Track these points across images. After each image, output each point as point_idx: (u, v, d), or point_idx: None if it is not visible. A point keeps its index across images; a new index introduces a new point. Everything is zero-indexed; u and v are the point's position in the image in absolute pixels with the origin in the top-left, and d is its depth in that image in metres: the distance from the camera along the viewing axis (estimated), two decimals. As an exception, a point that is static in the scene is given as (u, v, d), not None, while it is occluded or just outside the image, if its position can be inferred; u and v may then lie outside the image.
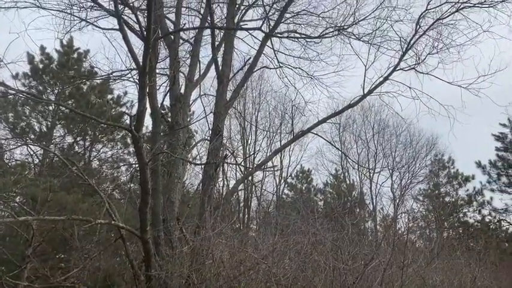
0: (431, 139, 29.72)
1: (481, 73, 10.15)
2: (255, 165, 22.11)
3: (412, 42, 10.61)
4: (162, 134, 10.33)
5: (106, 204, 7.49)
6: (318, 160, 31.42)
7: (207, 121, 11.14)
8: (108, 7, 8.34)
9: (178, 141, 9.77)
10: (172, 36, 10.49)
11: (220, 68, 10.48)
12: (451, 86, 10.59)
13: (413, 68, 10.69)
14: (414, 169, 29.59)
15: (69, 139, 19.31)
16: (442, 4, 10.41)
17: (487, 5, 10.26)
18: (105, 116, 16.59)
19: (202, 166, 10.07)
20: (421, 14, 10.51)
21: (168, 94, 10.44)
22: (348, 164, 29.94)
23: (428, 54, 10.65)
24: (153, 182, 8.45)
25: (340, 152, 28.82)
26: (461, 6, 10.35)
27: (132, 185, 17.99)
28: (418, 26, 10.58)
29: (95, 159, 20.14)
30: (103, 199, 7.58)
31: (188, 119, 12.68)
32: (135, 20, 6.90)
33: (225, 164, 10.40)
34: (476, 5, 10.32)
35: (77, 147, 19.66)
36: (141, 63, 5.87)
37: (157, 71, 10.52)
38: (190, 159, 14.01)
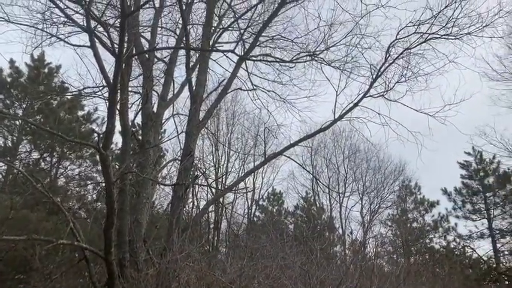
0: (400, 165, 30.39)
1: (447, 102, 10.54)
2: (226, 186, 22.00)
3: (381, 69, 10.92)
4: (132, 152, 10.15)
5: (70, 224, 7.25)
6: (289, 183, 31.49)
7: (179, 141, 11.06)
8: (82, 23, 8.27)
9: (148, 160, 9.63)
10: (147, 55, 10.46)
11: (194, 88, 10.47)
12: (419, 113, 10.94)
13: (383, 95, 10.97)
14: (383, 194, 30.07)
15: (35, 155, 18.73)
16: (411, 34, 10.80)
17: (453, 37, 10.74)
18: (74, 133, 16.22)
19: (172, 187, 9.91)
20: (391, 43, 10.86)
21: (140, 112, 10.33)
22: (318, 187, 30.17)
23: (397, 82, 10.98)
24: (120, 201, 8.26)
25: (311, 176, 29.04)
26: (429, 37, 10.77)
27: (98, 204, 17.55)
28: (387, 55, 10.92)
29: (62, 176, 19.55)
30: (67, 218, 7.34)
31: (160, 138, 12.55)
32: (109, 37, 6.84)
33: (196, 185, 10.27)
34: (443, 36, 10.77)
35: (43, 163, 19.05)
36: (112, 81, 5.80)
37: (130, 88, 10.42)
38: (160, 179, 13.81)
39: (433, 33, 10.68)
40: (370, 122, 11.22)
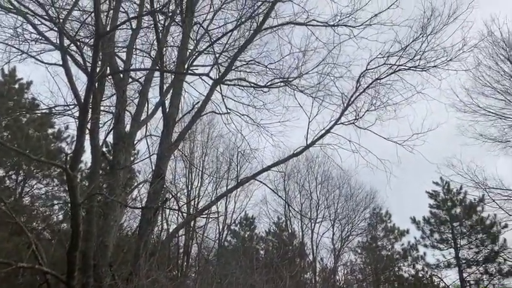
0: (371, 192, 30.79)
1: (415, 131, 10.86)
2: (197, 210, 21.72)
3: (352, 98, 11.21)
4: (101, 173, 9.96)
5: (33, 245, 6.99)
6: (262, 208, 31.35)
7: (151, 162, 10.94)
8: (55, 40, 8.17)
9: (118, 181, 9.44)
10: (121, 75, 10.40)
11: (168, 109, 10.44)
12: (388, 141, 11.20)
13: (353, 123, 11.22)
14: (354, 221, 30.29)
15: (0, 172, 18.08)
16: (381, 65, 11.21)
17: (421, 69, 11.20)
18: (42, 151, 15.80)
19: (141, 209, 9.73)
20: (362, 73, 11.21)
21: (112, 132, 10.18)
22: (290, 213, 30.17)
23: (367, 111, 11.28)
24: (87, 223, 8.03)
25: (283, 201, 29.04)
26: (398, 69, 11.20)
27: (64, 225, 17.00)
28: (358, 84, 11.25)
29: (27, 195, 18.89)
30: (30, 240, 7.07)
31: (132, 159, 12.37)
32: (82, 56, 6.78)
33: (165, 208, 10.11)
34: (411, 68, 11.21)
35: (8, 181, 18.39)
36: (83, 101, 5.73)
37: (102, 108, 10.29)
38: (130, 201, 13.53)
39: (401, 65, 11.14)
40: (341, 149, 11.43)
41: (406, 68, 11.18)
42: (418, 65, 11.10)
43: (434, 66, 11.08)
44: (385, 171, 11.00)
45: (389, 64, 11.17)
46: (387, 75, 11.26)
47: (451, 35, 11.05)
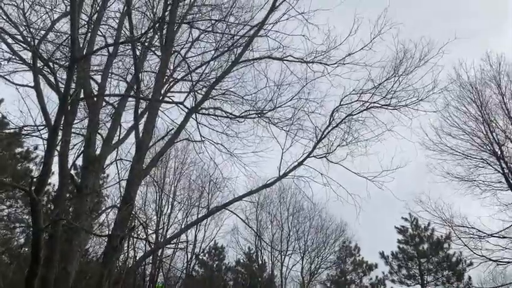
0: (341, 225, 30.96)
1: (385, 168, 11.08)
2: (166, 238, 21.29)
3: (325, 132, 11.41)
4: (68, 196, 9.70)
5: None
6: (233, 237, 30.96)
7: (120, 188, 10.73)
8: (29, 61, 8.07)
9: (85, 206, 9.20)
10: (95, 98, 10.30)
11: (141, 135, 10.34)
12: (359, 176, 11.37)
13: (325, 157, 11.38)
14: (323, 254, 30.25)
15: (-40, 192, 17.35)
16: (354, 102, 11.52)
17: (392, 107, 11.56)
18: (8, 171, 15.31)
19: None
20: (335, 108, 11.49)
21: (82, 155, 9.99)
22: (261, 244, 29.90)
23: (339, 145, 11.48)
24: (49, 249, 7.74)
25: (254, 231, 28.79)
26: (370, 106, 11.53)
27: (25, 249, 16.32)
28: (331, 118, 11.49)
29: (-12, 217, 18.12)
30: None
31: (101, 183, 12.12)
32: (55, 79, 6.71)
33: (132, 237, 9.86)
34: (383, 106, 11.56)
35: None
36: (53, 123, 5.64)
37: (73, 130, 10.13)
38: (96, 227, 13.15)
39: (373, 103, 11.49)
40: (313, 182, 11.53)
41: (378, 105, 11.54)
42: (390, 104, 11.48)
43: (405, 106, 11.48)
44: (355, 206, 11.13)
45: (362, 101, 11.52)
46: (360, 112, 11.58)
47: (422, 76, 11.55)
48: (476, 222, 21.17)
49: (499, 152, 21.12)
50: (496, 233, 20.47)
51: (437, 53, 11.57)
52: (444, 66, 12.02)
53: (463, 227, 21.26)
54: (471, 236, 20.97)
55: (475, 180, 21.87)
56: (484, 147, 21.67)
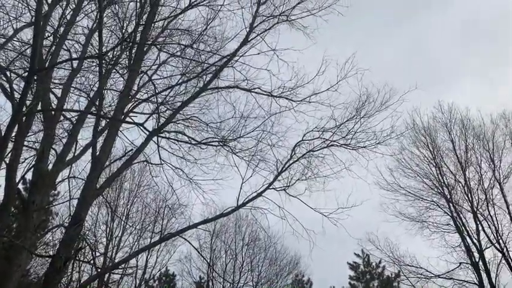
0: (295, 258, 30.86)
1: (341, 205, 11.23)
2: (115, 262, 20.46)
3: (286, 165, 11.49)
4: (14, 211, 9.19)
5: None
6: (185, 265, 30.12)
7: (70, 206, 10.27)
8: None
9: (30, 223, 8.73)
10: (52, 112, 9.96)
11: (98, 153, 10.04)
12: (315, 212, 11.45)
13: (284, 190, 11.42)
14: (276, 287, 29.93)
15: None
16: (315, 138, 11.76)
17: (351, 148, 11.88)
18: None
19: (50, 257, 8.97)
20: (297, 143, 11.65)
21: (32, 170, 9.54)
22: (213, 274, 29.25)
23: (298, 179, 11.56)
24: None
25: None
26: (331, 144, 11.79)
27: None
28: (293, 152, 11.63)
29: None
30: None
31: (50, 200, 11.58)
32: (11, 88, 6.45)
33: (77, 260, 9.40)
34: (343, 145, 11.86)
35: None
36: (2, 135, 5.38)
37: (26, 143, 9.71)
38: (41, 246, 12.49)
39: (334, 141, 11.76)
40: (270, 214, 11.49)
41: (338, 144, 11.81)
42: (349, 144, 11.79)
43: (364, 147, 11.84)
44: (309, 241, 11.17)
45: (324, 139, 11.77)
46: (320, 149, 11.79)
47: (382, 120, 12.03)
48: (425, 262, 21.68)
49: (449, 195, 22.03)
50: (442, 274, 21.09)
51: (397, 100, 12.12)
52: (403, 112, 12.59)
53: (412, 266, 21.81)
54: (419, 275, 21.51)
55: (425, 222, 22.64)
56: (435, 189, 22.58)
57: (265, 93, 11.79)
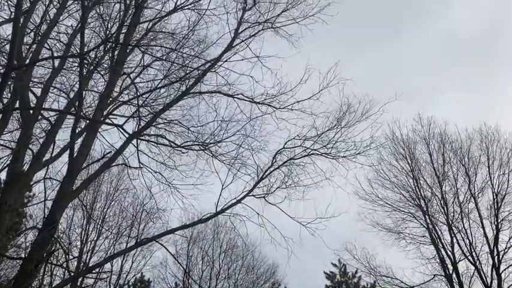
0: (272, 267, 30.75)
1: (319, 215, 11.29)
2: (89, 266, 20.02)
3: (267, 173, 11.52)
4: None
5: None
6: (160, 271, 29.63)
7: (44, 208, 10.02)
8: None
9: (2, 224, 8.49)
10: (31, 111, 9.75)
11: (76, 154, 9.85)
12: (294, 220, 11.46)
13: (264, 197, 11.42)
14: (252, 295, 29.76)
15: None
16: (296, 147, 11.83)
17: (332, 157, 11.99)
18: None
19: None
20: (278, 151, 11.69)
21: (6, 170, 9.30)
22: (189, 281, 28.91)
23: (278, 187, 11.60)
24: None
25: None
26: (311, 153, 11.88)
27: None
28: (274, 160, 11.67)
29: None
30: None
31: (25, 201, 11.29)
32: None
33: (49, 263, 9.16)
34: (323, 154, 11.96)
35: None
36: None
37: (1, 142, 9.48)
38: (12, 248, 12.14)
39: (315, 150, 11.86)
40: (249, 221, 11.45)
41: (319, 153, 11.91)
42: (330, 153, 11.90)
43: (344, 157, 11.96)
44: (287, 250, 11.16)
45: (305, 147, 11.85)
46: (301, 157, 11.88)
47: (362, 131, 12.19)
48: (401, 273, 21.90)
49: (425, 208, 22.35)
50: (417, 286, 21.32)
51: (377, 111, 12.33)
52: (383, 123, 12.77)
53: (388, 277, 21.99)
54: (395, 286, 21.71)
55: (401, 233, 22.90)
56: (412, 201, 22.89)
57: (247, 99, 11.82)
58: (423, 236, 22.47)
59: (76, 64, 10.77)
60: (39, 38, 9.59)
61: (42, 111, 10.56)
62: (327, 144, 11.87)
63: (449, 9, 49.63)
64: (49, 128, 10.56)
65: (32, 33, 10.32)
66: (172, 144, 12.00)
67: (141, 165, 11.86)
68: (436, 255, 21.59)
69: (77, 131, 10.24)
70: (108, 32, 11.69)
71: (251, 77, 11.56)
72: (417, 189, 22.82)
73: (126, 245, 23.34)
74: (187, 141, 11.95)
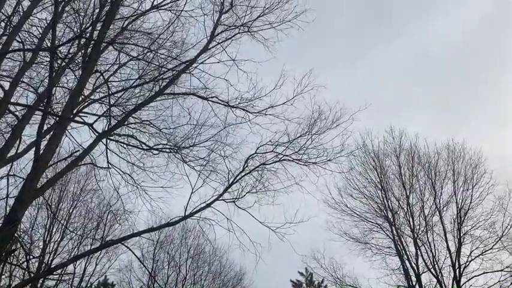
0: (240, 273, 30.62)
1: (288, 220, 11.32)
2: (50, 267, 19.45)
3: (238, 177, 11.48)
4: None
5: None
6: (125, 274, 28.99)
7: (7, 206, 9.68)
8: None
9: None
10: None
11: (42, 152, 9.56)
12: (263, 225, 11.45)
13: (234, 202, 11.38)
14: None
15: None
16: (268, 152, 11.87)
17: (303, 163, 12.10)
18: None
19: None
20: (250, 155, 11.70)
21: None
22: (154, 285, 28.42)
23: (249, 192, 11.56)
24: None
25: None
26: (283, 158, 11.95)
27: None
28: (245, 165, 11.65)
29: None
30: None
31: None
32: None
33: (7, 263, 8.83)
34: (294, 160, 12.05)
35: None
36: None
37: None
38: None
39: (286, 156, 11.93)
40: (218, 226, 11.36)
41: (290, 159, 11.98)
42: (301, 159, 12.00)
43: (315, 163, 12.06)
44: (255, 255, 11.14)
45: (276, 152, 11.91)
46: (273, 162, 11.92)
47: (333, 138, 12.32)
48: (366, 283, 22.23)
49: (392, 219, 22.82)
50: (381, 296, 21.71)
51: (348, 119, 12.51)
52: (353, 131, 12.98)
53: (353, 287, 22.27)
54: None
55: (368, 243, 23.29)
56: (380, 212, 23.33)
57: (222, 102, 11.81)
58: (389, 247, 22.92)
59: (47, 59, 10.52)
60: (10, 29, 9.31)
61: (9, 106, 10.25)
62: (299, 150, 11.98)
63: (422, 29, 51.25)
64: (16, 123, 10.26)
65: (3, 24, 10.02)
66: (143, 146, 11.84)
67: (110, 166, 11.63)
68: (401, 267, 22.04)
69: (45, 128, 9.99)
70: (83, 27, 11.48)
71: (226, 80, 11.57)
72: (385, 201, 23.29)
73: (91, 247, 22.79)
74: (159, 144, 11.83)
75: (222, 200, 11.32)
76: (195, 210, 11.03)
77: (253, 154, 11.75)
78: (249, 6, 12.26)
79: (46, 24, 10.84)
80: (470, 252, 21.42)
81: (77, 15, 11.56)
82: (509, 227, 21.12)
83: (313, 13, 12.45)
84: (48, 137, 10.15)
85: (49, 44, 10.69)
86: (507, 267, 20.66)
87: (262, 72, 11.92)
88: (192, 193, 11.14)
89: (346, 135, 12.35)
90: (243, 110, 11.92)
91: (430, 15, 50.29)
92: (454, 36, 49.11)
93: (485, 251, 21.20)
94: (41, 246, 21.86)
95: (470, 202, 22.27)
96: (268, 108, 11.88)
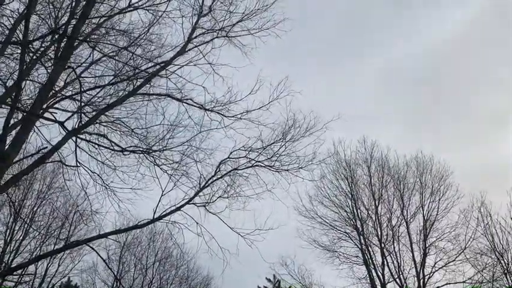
0: (207, 278, 30.37)
1: (258, 226, 11.30)
2: (10, 267, 18.82)
3: (209, 182, 11.41)
4: None
5: None
6: (89, 276, 28.24)
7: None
8: None
9: None
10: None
11: (7, 147, 9.23)
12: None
13: (205, 206, 11.28)
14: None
15: None
16: (241, 157, 11.85)
17: (275, 170, 12.15)
18: None
19: None
20: (222, 160, 11.65)
21: None
22: (120, 287, 27.84)
23: (220, 197, 11.50)
24: None
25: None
26: (256, 164, 11.95)
27: None
28: (218, 169, 11.59)
29: None
30: None
31: None
32: None
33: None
34: (267, 167, 12.09)
35: None
36: None
37: None
38: None
39: (259, 162, 11.93)
40: (187, 230, 11.23)
41: (263, 165, 11.99)
42: (273, 166, 12.03)
43: (287, 170, 12.11)
44: (223, 260, 11.06)
45: (249, 158, 11.90)
46: (245, 168, 11.89)
47: (306, 146, 12.44)
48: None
49: (360, 229, 23.15)
50: (347, 304, 21.93)
51: (321, 127, 12.68)
52: (326, 140, 13.12)
53: (321, 294, 22.44)
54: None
55: (336, 251, 23.54)
56: (349, 221, 23.64)
57: (197, 105, 11.72)
58: (356, 256, 23.23)
59: (18, 51, 10.18)
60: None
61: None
62: (272, 156, 12.01)
63: (393, 47, 52.52)
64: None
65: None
66: (114, 146, 11.57)
67: (79, 165, 11.32)
68: (367, 276, 22.35)
69: (12, 122, 9.65)
70: (57, 21, 11.18)
71: (203, 87, 11.49)
72: (355, 210, 23.62)
73: (54, 247, 22.14)
74: (130, 146, 11.59)
75: (193, 204, 11.21)
76: (164, 213, 10.88)
77: (226, 159, 11.71)
78: (228, 11, 12.26)
79: (18, 15, 10.50)
80: (435, 263, 21.98)
81: (51, 7, 11.24)
82: (471, 240, 21.76)
83: (291, 22, 12.58)
84: (14, 132, 9.82)
85: (21, 36, 10.37)
86: (469, 278, 21.29)
87: (238, 77, 11.92)
88: (162, 196, 10.99)
89: (319, 143, 12.49)
90: (218, 113, 11.85)
91: (402, 28, 51.65)
92: (426, 48, 50.47)
93: (449, 263, 21.80)
94: (2, 245, 21.11)
95: (437, 214, 22.88)
96: (243, 112, 11.86)
